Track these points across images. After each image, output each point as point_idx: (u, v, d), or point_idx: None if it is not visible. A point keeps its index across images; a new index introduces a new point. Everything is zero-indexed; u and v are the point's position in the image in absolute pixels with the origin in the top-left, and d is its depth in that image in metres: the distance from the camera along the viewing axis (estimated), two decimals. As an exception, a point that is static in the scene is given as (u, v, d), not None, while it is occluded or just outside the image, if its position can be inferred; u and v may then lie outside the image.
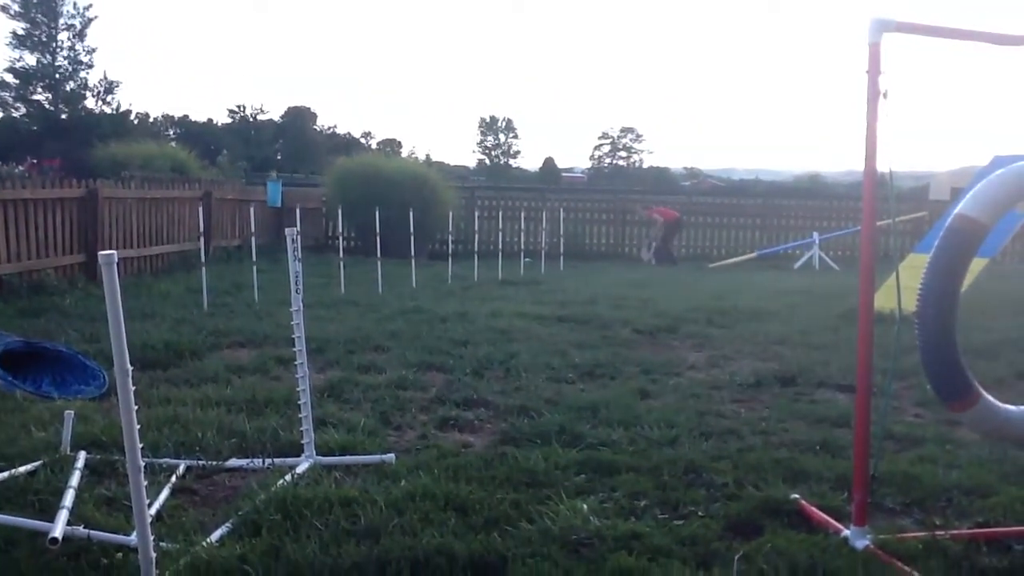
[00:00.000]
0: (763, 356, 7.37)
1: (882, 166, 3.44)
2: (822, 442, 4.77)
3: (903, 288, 3.53)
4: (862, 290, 3.47)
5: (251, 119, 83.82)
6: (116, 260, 2.64)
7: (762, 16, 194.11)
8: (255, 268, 10.17)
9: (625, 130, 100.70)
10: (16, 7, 56.60)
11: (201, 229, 10.74)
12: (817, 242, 17.67)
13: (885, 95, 3.35)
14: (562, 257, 15.39)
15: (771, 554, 3.22)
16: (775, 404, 5.74)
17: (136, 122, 60.55)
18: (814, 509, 3.70)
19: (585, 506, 3.63)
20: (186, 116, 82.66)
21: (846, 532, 3.45)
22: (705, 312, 9.65)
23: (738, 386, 6.22)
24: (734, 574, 3.09)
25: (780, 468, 4.26)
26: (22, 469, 3.85)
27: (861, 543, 3.36)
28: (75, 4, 57.53)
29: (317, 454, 4.22)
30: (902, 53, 3.42)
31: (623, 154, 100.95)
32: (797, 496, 3.82)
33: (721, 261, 17.65)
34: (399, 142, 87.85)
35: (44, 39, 57.46)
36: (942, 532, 3.47)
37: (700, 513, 3.68)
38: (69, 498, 3.40)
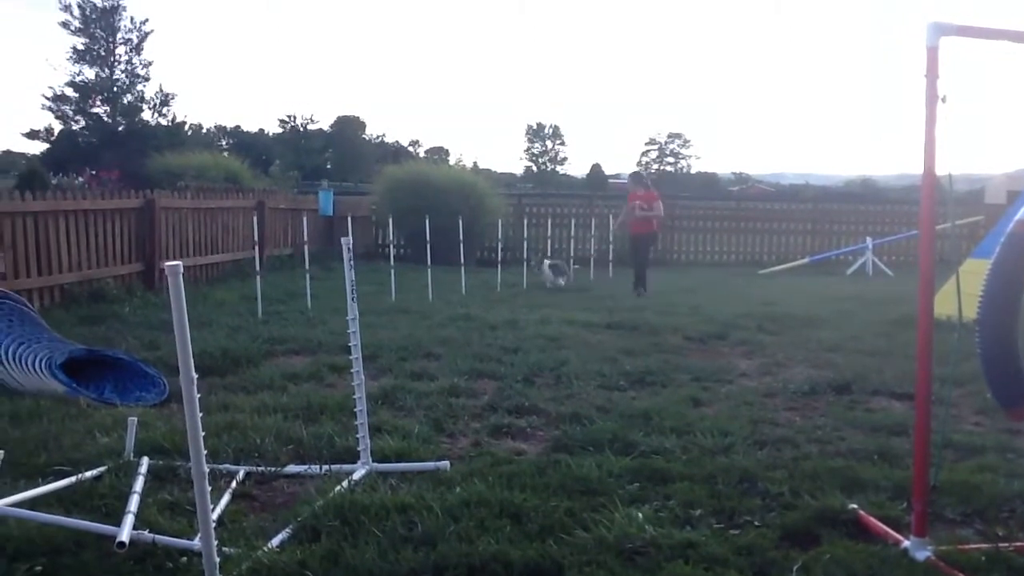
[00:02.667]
0: (816, 363, 7.28)
1: (940, 170, 3.39)
2: (879, 451, 4.71)
3: (958, 294, 3.47)
4: (921, 296, 3.42)
5: (301, 129, 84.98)
6: (181, 270, 2.70)
7: (811, 20, 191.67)
8: (308, 276, 10.32)
9: (672, 136, 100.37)
10: (77, 23, 58.26)
11: (255, 238, 10.92)
12: (871, 247, 17.39)
13: (944, 99, 3.31)
14: (611, 264, 15.35)
15: (830, 565, 3.19)
16: (830, 412, 5.67)
17: (190, 133, 61.79)
18: (873, 519, 3.66)
19: (640, 514, 3.62)
20: (238, 127, 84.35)
21: (906, 543, 3.40)
22: (756, 319, 9.56)
23: (792, 394, 6.16)
24: (792, 584, 3.07)
25: (837, 477, 4.21)
26: (88, 474, 3.95)
27: (922, 554, 3.31)
28: (132, 19, 59.24)
29: (373, 461, 4.27)
30: (960, 55, 3.38)
31: (670, 160, 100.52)
32: (855, 506, 3.77)
33: (771, 267, 17.46)
34: (446, 150, 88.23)
35: (103, 53, 59.04)
36: (1005, 544, 3.40)
37: (756, 522, 3.65)
38: (134, 503, 3.49)
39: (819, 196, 36.18)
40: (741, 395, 6.09)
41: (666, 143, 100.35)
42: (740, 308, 10.42)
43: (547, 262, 14.09)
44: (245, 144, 68.58)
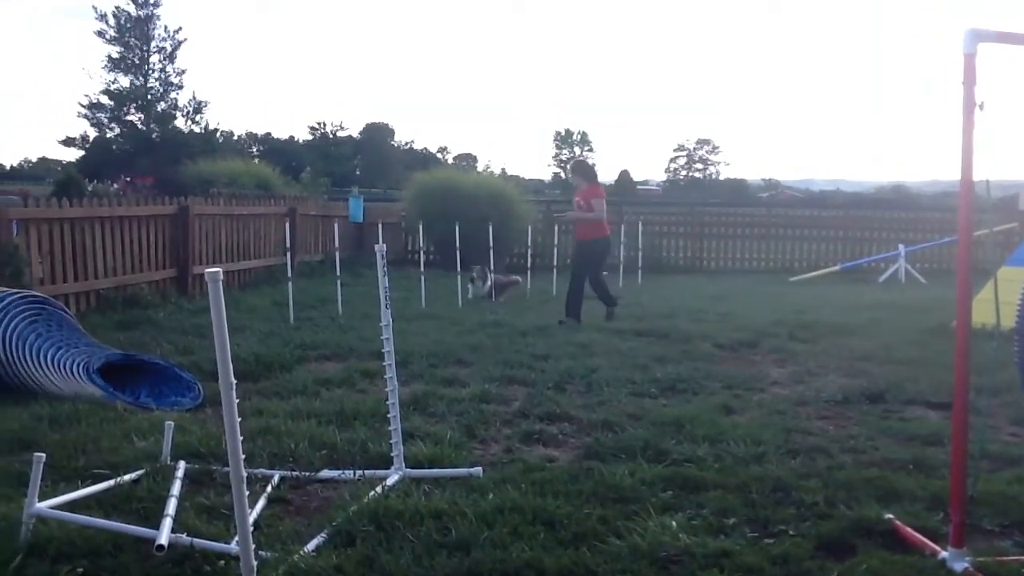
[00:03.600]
0: (849, 372, 7.22)
1: (977, 177, 3.36)
2: (914, 461, 4.66)
3: (994, 302, 3.44)
4: (959, 303, 3.38)
5: (331, 135, 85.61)
6: (221, 277, 2.74)
7: (843, 25, 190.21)
8: (339, 282, 10.39)
9: (701, 142, 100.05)
10: (112, 32, 59.17)
11: (287, 244, 11.02)
12: (903, 254, 17.21)
13: (981, 106, 3.28)
14: (640, 271, 15.31)
15: (866, 575, 3.16)
16: (864, 421, 5.62)
17: (221, 140, 62.43)
18: (909, 530, 3.62)
19: (673, 523, 3.61)
20: (268, 134, 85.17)
21: (943, 554, 3.36)
22: (787, 326, 9.49)
23: (824, 403, 6.11)
24: (828, 595, 3.05)
25: (872, 487, 4.17)
26: (127, 477, 4.00)
27: (960, 565, 3.27)
28: (166, 27, 59.94)
29: (406, 466, 4.30)
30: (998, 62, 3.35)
31: (699, 166, 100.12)
32: (891, 516, 3.74)
33: (802, 274, 17.32)
34: (474, 156, 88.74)
35: (137, 62, 59.94)
36: (1045, 555, 3.36)
37: (791, 532, 3.62)
38: (172, 506, 3.53)
39: (850, 202, 35.90)
40: (773, 403, 6.05)
41: (695, 149, 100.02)
42: (771, 316, 10.36)
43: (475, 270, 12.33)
44: (275, 151, 69.15)
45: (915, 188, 76.33)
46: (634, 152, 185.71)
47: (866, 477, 4.33)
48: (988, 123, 3.26)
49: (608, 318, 9.87)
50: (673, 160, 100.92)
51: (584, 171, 10.50)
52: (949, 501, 3.44)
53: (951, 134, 3.36)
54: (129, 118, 60.62)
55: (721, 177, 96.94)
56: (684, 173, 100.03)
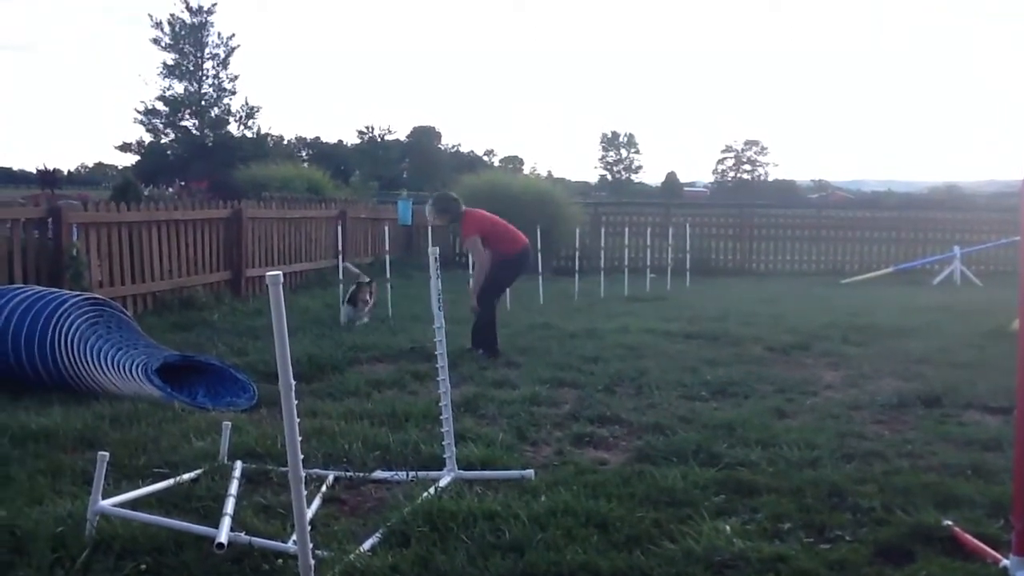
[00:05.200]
0: (904, 375, 7.10)
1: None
2: (973, 466, 4.57)
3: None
4: (1021, 305, 3.31)
5: (379, 139, 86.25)
6: (281, 280, 2.79)
7: (893, 23, 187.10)
8: (389, 285, 10.47)
9: (749, 143, 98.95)
10: (167, 39, 60.32)
11: (339, 247, 11.14)
12: (959, 256, 16.85)
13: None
14: (688, 273, 15.21)
15: (925, 582, 3.12)
16: (920, 426, 5.53)
17: (272, 144, 63.26)
18: (969, 537, 3.56)
19: (727, 527, 3.60)
20: (318, 138, 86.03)
21: (1005, 562, 3.29)
22: (839, 329, 9.37)
23: (879, 406, 6.02)
24: (886, 601, 3.01)
25: (930, 493, 4.11)
26: (186, 476, 4.09)
27: (1022, 574, 3.21)
28: (219, 34, 60.92)
29: (458, 468, 4.33)
30: None
31: (747, 167, 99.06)
32: (950, 523, 3.68)
33: (854, 276, 17.06)
34: (521, 159, 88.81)
35: (191, 68, 61.01)
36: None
37: (847, 537, 3.58)
38: (230, 505, 3.59)
39: (902, 203, 35.26)
40: (826, 407, 5.98)
41: (743, 150, 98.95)
42: (823, 318, 10.22)
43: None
44: (325, 155, 69.93)
45: (969, 188, 74.61)
46: (681, 153, 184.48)
47: (924, 482, 4.26)
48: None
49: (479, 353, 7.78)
50: (721, 161, 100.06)
51: (447, 209, 8.15)
52: (1011, 507, 3.37)
53: (1010, 132, 3.29)
54: (183, 123, 61.74)
55: (770, 178, 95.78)
56: (732, 174, 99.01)
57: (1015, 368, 3.28)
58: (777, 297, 13.22)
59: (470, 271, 9.23)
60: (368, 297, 9.63)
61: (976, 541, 3.52)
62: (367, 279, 9.94)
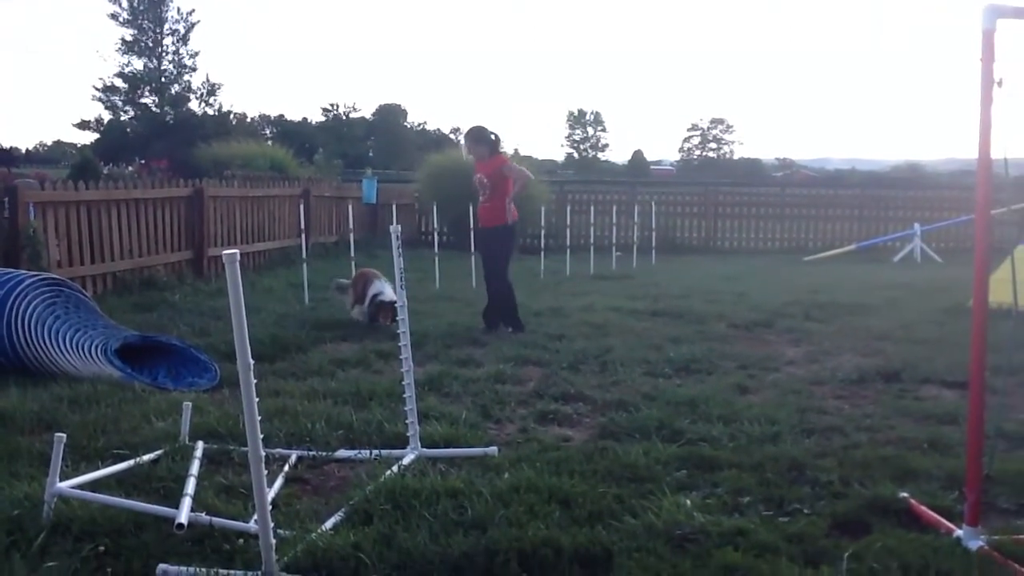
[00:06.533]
0: (864, 351, 7.20)
1: (995, 155, 3.33)
2: (930, 440, 4.66)
3: (1011, 281, 3.41)
4: (976, 283, 3.36)
5: (344, 117, 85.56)
6: (238, 258, 2.75)
7: (855, 2, 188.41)
8: (353, 264, 10.41)
9: (715, 121, 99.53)
10: (125, 15, 59.19)
11: (301, 226, 11.05)
12: (919, 233, 17.09)
13: (1000, 83, 3.25)
14: (654, 251, 15.28)
15: (881, 553, 3.17)
16: (879, 400, 5.62)
17: (235, 122, 62.39)
18: (924, 508, 3.63)
19: (688, 502, 3.63)
20: (282, 115, 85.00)
21: (958, 532, 3.36)
22: (802, 306, 9.47)
23: (840, 382, 6.11)
24: (843, 573, 3.06)
25: (887, 466, 4.18)
26: (146, 457, 4.05)
27: (975, 544, 3.28)
28: (179, 10, 59.86)
29: (421, 446, 4.32)
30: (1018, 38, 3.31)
31: (713, 146, 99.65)
32: (906, 495, 3.74)
33: (817, 254, 17.24)
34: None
35: (150, 44, 59.96)
36: (1061, 534, 3.35)
37: (806, 511, 3.64)
38: (191, 486, 3.56)
39: (865, 181, 35.64)
40: (788, 383, 6.05)
41: (708, 129, 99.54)
42: (786, 296, 10.33)
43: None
44: (289, 133, 69.08)
45: (931, 167, 75.69)
46: (647, 132, 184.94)
47: (881, 456, 4.34)
48: (1007, 100, 3.23)
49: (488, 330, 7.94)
50: (687, 140, 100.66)
51: (481, 138, 8.12)
52: (965, 480, 3.44)
53: (969, 111, 3.33)
54: (143, 101, 60.75)
55: (735, 157, 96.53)
56: (698, 153, 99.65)
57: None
58: (741, 275, 13.33)
59: (436, 250, 9.06)
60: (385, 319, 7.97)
61: (931, 512, 3.59)
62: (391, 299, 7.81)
